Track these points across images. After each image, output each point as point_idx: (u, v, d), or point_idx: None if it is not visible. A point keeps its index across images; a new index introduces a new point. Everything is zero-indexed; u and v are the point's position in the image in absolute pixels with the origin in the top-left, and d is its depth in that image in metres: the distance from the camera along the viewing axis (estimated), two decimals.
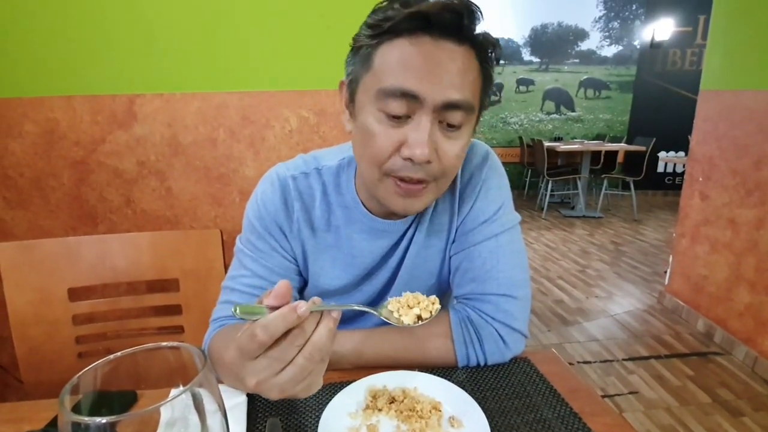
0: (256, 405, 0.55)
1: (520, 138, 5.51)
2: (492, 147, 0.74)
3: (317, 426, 0.50)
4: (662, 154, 5.50)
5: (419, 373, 0.59)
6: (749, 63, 2.09)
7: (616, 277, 3.13)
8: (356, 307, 0.46)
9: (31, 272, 0.87)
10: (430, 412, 0.53)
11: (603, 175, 4.78)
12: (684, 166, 2.62)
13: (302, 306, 0.38)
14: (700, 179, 2.39)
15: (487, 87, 0.58)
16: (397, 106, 0.52)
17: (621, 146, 4.76)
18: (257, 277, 0.66)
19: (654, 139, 4.40)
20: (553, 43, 5.54)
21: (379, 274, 0.72)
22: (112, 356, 0.31)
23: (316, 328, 0.40)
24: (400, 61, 0.52)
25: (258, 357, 0.40)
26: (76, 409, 0.28)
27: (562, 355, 2.11)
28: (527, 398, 0.57)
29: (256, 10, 1.42)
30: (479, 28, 0.54)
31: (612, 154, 4.80)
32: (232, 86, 1.47)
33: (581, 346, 2.24)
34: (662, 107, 5.60)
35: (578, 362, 2.09)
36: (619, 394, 1.84)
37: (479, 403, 0.52)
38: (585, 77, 5.68)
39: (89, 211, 1.51)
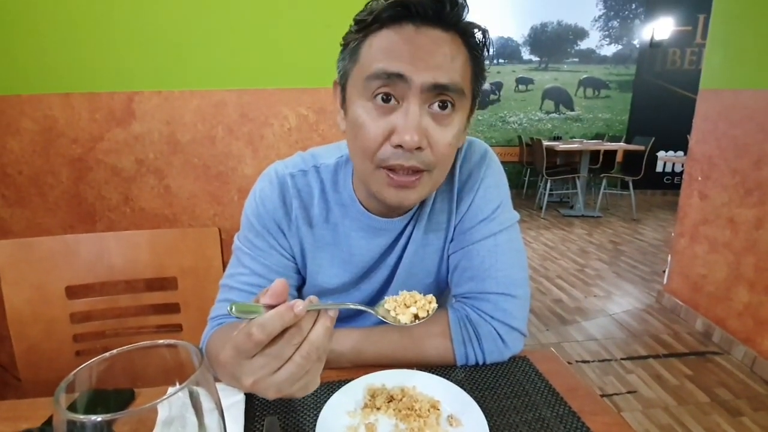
0: (254, 403, 0.55)
1: (519, 137, 5.51)
2: (491, 146, 0.74)
3: (315, 424, 0.50)
4: (661, 154, 5.50)
5: (418, 371, 0.59)
6: (749, 62, 2.09)
7: (615, 277, 3.13)
8: (353, 306, 0.46)
9: (29, 270, 0.87)
10: (429, 410, 0.53)
11: (602, 175, 4.78)
12: (683, 166, 2.62)
13: (299, 305, 0.38)
14: (699, 179, 2.39)
15: (479, 74, 0.58)
16: (384, 89, 0.52)
17: (620, 145, 4.76)
18: (255, 276, 0.66)
19: (653, 139, 4.40)
20: (553, 42, 5.53)
21: (377, 272, 0.72)
22: (108, 354, 0.30)
23: (313, 326, 0.40)
24: (384, 47, 0.52)
25: (254, 356, 0.40)
26: (72, 407, 0.28)
27: (561, 354, 2.11)
28: (526, 397, 0.57)
29: (255, 7, 1.41)
30: (469, 18, 0.54)
31: (611, 154, 4.80)
32: (230, 84, 1.47)
33: (580, 345, 2.24)
34: (661, 107, 5.60)
35: (577, 361, 2.09)
36: (617, 394, 1.84)
37: (478, 402, 0.52)
38: (584, 76, 5.68)
39: (87, 209, 1.51)
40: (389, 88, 0.52)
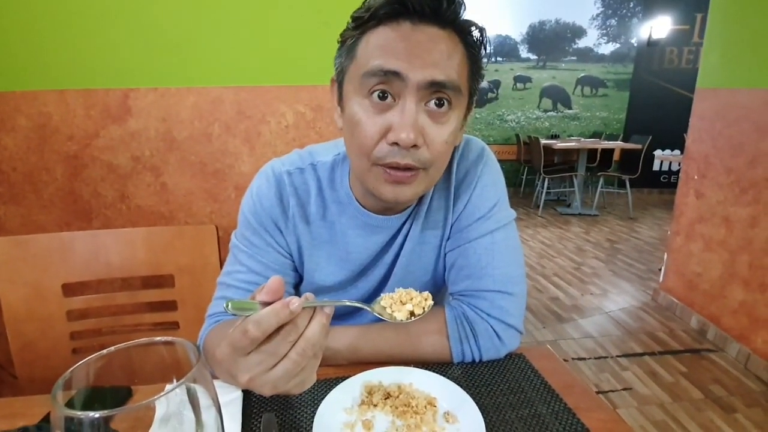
0: (251, 400, 0.55)
1: (517, 135, 5.51)
2: (489, 144, 0.74)
3: (312, 421, 0.50)
4: (658, 152, 5.53)
5: (415, 368, 0.60)
6: (746, 61, 2.10)
7: (611, 275, 3.15)
8: (349, 303, 0.46)
9: (24, 268, 0.87)
10: (426, 407, 0.53)
11: (599, 173, 4.79)
12: (679, 165, 2.63)
13: (295, 302, 0.38)
14: (696, 177, 2.40)
15: (476, 72, 0.58)
16: (380, 87, 0.52)
17: (617, 144, 4.77)
18: (252, 273, 0.66)
19: (650, 137, 4.42)
20: (551, 41, 5.53)
21: (374, 270, 0.72)
22: (105, 351, 0.30)
23: (309, 323, 0.40)
24: (381, 44, 0.52)
25: (250, 353, 0.40)
26: (70, 404, 0.28)
27: (557, 351, 2.12)
28: (522, 394, 0.57)
29: (253, 3, 1.41)
30: (467, 15, 0.54)
31: (608, 152, 4.81)
32: (227, 81, 1.46)
33: (576, 342, 2.25)
34: (659, 105, 5.61)
35: (573, 359, 2.10)
36: (612, 391, 1.86)
37: (474, 399, 0.53)
38: (582, 75, 5.68)
39: (83, 207, 1.50)
40: (386, 86, 0.52)
